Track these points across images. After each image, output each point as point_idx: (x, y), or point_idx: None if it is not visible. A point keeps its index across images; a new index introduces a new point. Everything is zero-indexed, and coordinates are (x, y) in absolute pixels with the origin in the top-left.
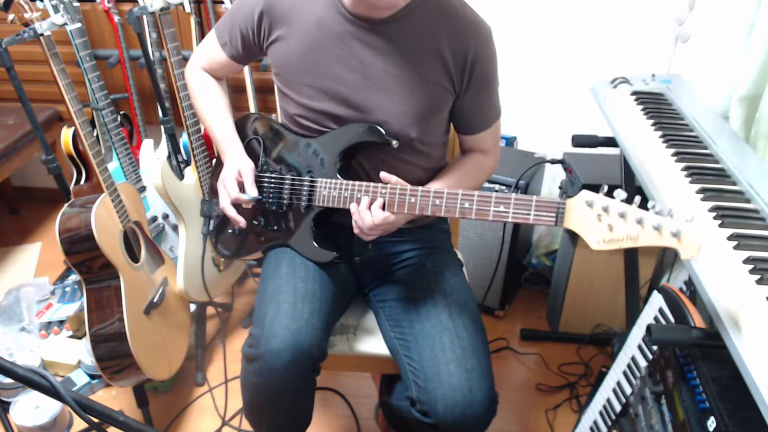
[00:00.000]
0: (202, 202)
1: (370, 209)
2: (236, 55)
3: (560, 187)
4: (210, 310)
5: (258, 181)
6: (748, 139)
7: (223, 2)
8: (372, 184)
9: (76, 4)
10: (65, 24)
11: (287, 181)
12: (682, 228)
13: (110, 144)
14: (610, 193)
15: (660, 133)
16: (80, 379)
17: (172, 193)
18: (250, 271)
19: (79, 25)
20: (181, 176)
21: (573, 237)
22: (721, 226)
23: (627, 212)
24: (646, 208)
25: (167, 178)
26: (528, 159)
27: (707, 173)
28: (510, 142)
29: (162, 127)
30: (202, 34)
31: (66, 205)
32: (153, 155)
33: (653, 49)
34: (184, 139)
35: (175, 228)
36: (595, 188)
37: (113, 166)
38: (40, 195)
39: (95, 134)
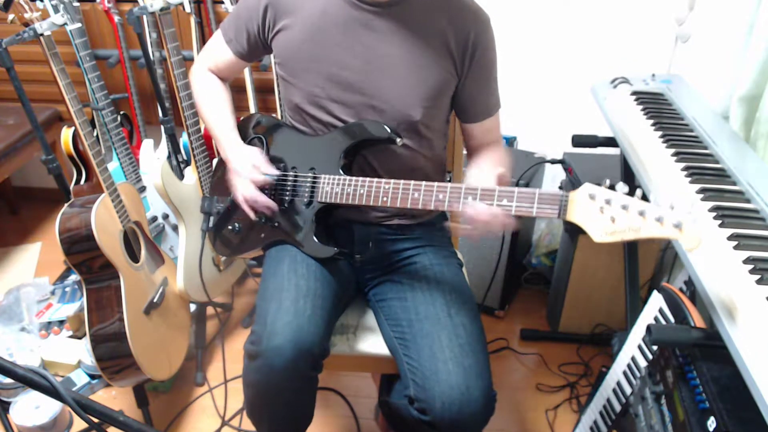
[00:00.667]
0: (202, 199)
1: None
2: (241, 52)
3: (560, 187)
4: (210, 310)
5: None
6: (748, 139)
7: (223, 2)
8: (375, 180)
9: (76, 4)
10: (65, 24)
11: (290, 178)
12: (684, 219)
13: (110, 144)
14: (612, 187)
15: (660, 133)
16: (80, 379)
17: (172, 193)
18: (250, 271)
19: (79, 25)
20: (181, 176)
21: (573, 237)
22: (721, 226)
23: (629, 204)
24: (648, 201)
25: (167, 178)
26: (528, 159)
27: (707, 173)
28: (510, 142)
29: (162, 127)
30: (202, 34)
31: (66, 205)
32: (153, 155)
33: (653, 49)
34: (184, 139)
35: (175, 228)
36: None
37: (113, 166)
38: (40, 195)
39: (95, 134)
